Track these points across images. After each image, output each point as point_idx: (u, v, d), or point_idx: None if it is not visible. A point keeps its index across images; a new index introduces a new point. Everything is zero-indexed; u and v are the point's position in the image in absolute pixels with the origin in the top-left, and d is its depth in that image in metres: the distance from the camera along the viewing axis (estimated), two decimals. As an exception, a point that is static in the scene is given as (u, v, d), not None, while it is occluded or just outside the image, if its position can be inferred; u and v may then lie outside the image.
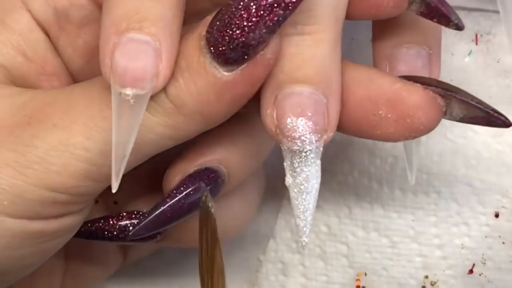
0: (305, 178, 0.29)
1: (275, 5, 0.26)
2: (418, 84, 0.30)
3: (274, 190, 0.42)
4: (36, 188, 0.29)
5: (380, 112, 0.29)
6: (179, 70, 0.28)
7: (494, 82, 0.41)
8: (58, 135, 0.29)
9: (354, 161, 0.41)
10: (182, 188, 0.33)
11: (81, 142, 0.29)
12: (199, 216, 0.29)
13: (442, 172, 0.40)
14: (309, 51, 0.28)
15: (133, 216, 0.34)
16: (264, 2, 0.26)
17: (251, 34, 0.26)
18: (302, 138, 0.28)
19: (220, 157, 0.33)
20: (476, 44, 0.41)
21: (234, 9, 0.26)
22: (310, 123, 0.28)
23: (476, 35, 0.41)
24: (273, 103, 0.29)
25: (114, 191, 0.28)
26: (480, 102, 0.30)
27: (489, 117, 0.30)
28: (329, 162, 0.41)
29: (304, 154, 0.28)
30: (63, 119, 0.29)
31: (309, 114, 0.28)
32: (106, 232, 0.34)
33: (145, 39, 0.27)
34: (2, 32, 0.32)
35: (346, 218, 0.41)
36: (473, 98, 0.30)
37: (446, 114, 0.30)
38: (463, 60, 0.41)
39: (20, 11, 0.32)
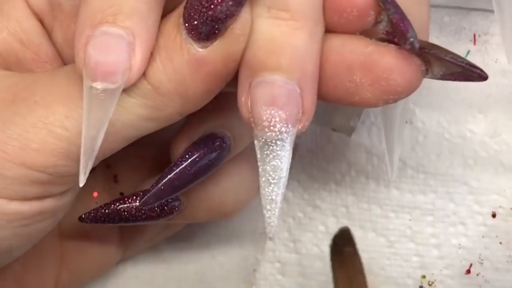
0: (272, 168, 0.28)
1: None
2: (392, 45, 0.29)
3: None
4: (14, 165, 0.29)
5: (355, 77, 0.28)
6: (157, 49, 0.28)
7: (492, 81, 0.41)
8: (38, 113, 0.29)
9: (351, 161, 0.41)
10: (187, 156, 0.33)
11: (60, 120, 0.29)
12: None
13: (439, 172, 0.40)
14: (284, 38, 0.28)
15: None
16: None
17: (219, 6, 0.27)
18: (271, 127, 0.28)
19: (224, 121, 0.33)
20: (474, 44, 0.41)
21: None
22: (281, 113, 0.28)
23: (474, 35, 0.41)
24: (248, 90, 0.28)
25: (81, 185, 0.28)
26: (454, 56, 0.29)
27: (465, 71, 0.29)
28: (326, 162, 0.41)
29: (273, 144, 0.28)
30: (44, 97, 0.29)
31: (280, 103, 0.28)
32: (123, 213, 0.35)
33: (118, 33, 0.27)
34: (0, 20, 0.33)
35: (343, 217, 0.41)
36: (448, 53, 0.29)
37: (428, 73, 0.29)
38: (461, 60, 0.41)
39: (17, 0, 0.33)
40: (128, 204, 0.35)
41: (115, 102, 0.27)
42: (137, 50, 0.27)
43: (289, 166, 0.29)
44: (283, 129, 0.28)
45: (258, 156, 0.29)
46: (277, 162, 0.28)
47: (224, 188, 0.36)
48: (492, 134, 0.40)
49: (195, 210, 0.36)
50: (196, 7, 0.27)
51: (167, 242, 0.43)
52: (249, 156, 0.36)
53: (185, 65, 0.28)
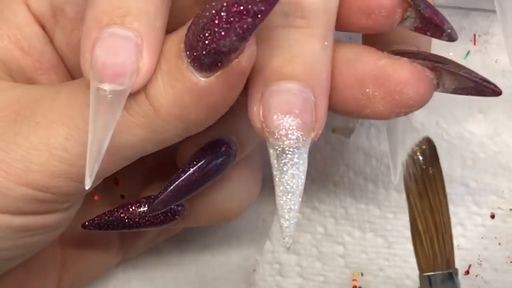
0: (290, 177, 0.28)
1: (244, 12, 0.25)
2: (405, 58, 0.29)
3: (271, 191, 0.42)
4: (16, 186, 0.29)
5: (368, 90, 0.28)
6: (159, 70, 0.28)
7: (493, 82, 0.41)
8: (39, 133, 0.29)
9: (349, 162, 0.41)
10: (195, 162, 0.33)
11: (60, 143, 0.28)
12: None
13: (438, 173, 0.40)
14: (298, 46, 0.28)
15: (151, 201, 0.34)
16: (234, 9, 0.25)
17: (222, 41, 0.26)
18: (289, 136, 0.27)
19: (230, 127, 0.33)
20: (474, 44, 0.41)
21: (207, 14, 0.26)
22: (297, 121, 0.27)
23: (474, 35, 0.41)
24: (260, 100, 0.28)
25: (86, 188, 0.27)
26: (468, 71, 0.29)
27: (478, 86, 0.29)
28: (325, 163, 0.41)
29: (290, 152, 0.28)
30: (45, 117, 0.29)
31: (297, 112, 0.27)
32: (126, 220, 0.35)
33: (126, 35, 0.27)
34: (0, 26, 0.32)
35: (342, 218, 0.41)
36: (461, 68, 0.29)
37: (439, 86, 0.29)
38: (461, 60, 0.41)
39: (18, 5, 0.32)
40: (132, 211, 0.35)
41: (122, 104, 0.27)
42: (145, 52, 0.27)
43: (305, 174, 0.28)
44: (300, 137, 0.27)
45: (275, 165, 0.28)
46: (295, 171, 0.28)
47: (227, 193, 0.36)
48: (491, 135, 0.40)
49: (198, 215, 0.36)
50: (198, 38, 0.26)
51: (167, 242, 0.43)
52: (250, 161, 0.37)
53: (186, 93, 0.27)
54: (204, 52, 0.26)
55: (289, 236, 0.28)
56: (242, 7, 0.25)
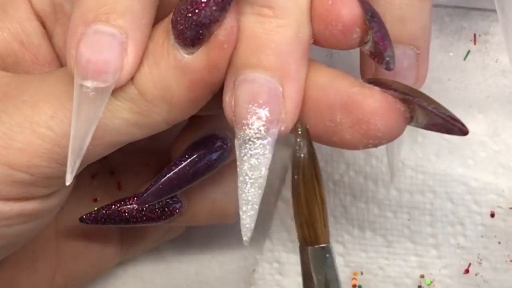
0: (249, 167, 0.28)
1: None
2: (376, 88, 0.28)
3: (270, 191, 0.42)
4: None
5: (336, 117, 0.28)
6: (145, 54, 0.28)
7: (493, 82, 0.41)
8: (24, 112, 0.29)
9: (349, 161, 0.41)
10: (187, 156, 0.33)
11: (45, 121, 0.28)
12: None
13: (438, 172, 0.40)
14: (266, 35, 0.28)
15: (143, 192, 0.34)
16: None
17: (203, 11, 0.26)
18: (250, 126, 0.27)
19: (226, 122, 0.33)
20: (475, 44, 0.41)
21: None
22: (261, 111, 0.27)
23: (475, 35, 0.41)
24: (232, 89, 0.28)
25: (67, 183, 0.27)
26: (437, 107, 0.28)
27: (446, 124, 0.28)
28: (325, 162, 0.41)
29: (250, 142, 0.28)
30: (32, 96, 0.29)
31: (261, 101, 0.27)
32: (124, 214, 0.35)
33: (111, 31, 0.27)
34: (1, 19, 0.33)
35: (341, 217, 0.41)
36: (431, 103, 0.28)
37: (412, 121, 0.28)
38: (461, 60, 0.41)
39: (21, 1, 0.33)
40: (129, 205, 0.35)
41: (105, 101, 0.27)
42: (129, 49, 0.27)
43: (267, 167, 0.28)
44: (261, 128, 0.27)
45: (237, 154, 0.28)
46: (254, 161, 0.28)
47: (226, 191, 0.36)
48: (491, 134, 0.40)
49: (196, 213, 0.36)
50: (182, 12, 0.27)
51: (167, 242, 0.43)
52: None
53: (170, 71, 0.28)
54: (186, 25, 0.27)
55: (246, 228, 0.28)
56: None
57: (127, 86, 0.28)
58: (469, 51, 0.41)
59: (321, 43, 0.29)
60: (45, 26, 0.33)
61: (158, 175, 0.33)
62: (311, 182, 0.29)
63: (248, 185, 0.28)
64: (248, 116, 0.27)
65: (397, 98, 0.28)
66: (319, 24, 0.28)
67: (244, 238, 0.28)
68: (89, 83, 0.27)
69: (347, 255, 0.41)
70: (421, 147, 0.40)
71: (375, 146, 0.28)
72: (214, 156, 0.33)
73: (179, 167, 0.33)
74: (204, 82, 0.28)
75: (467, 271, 0.40)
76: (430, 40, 0.32)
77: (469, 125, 0.40)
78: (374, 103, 0.28)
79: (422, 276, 0.40)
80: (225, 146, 0.33)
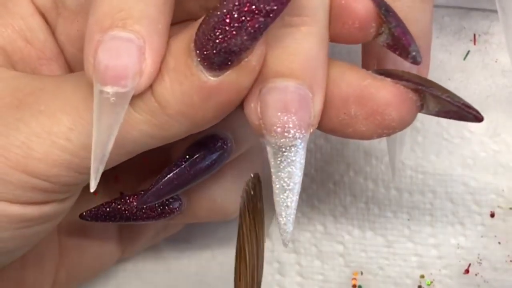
0: (287, 175, 0.28)
1: (256, 11, 0.25)
2: (388, 79, 0.28)
3: (270, 191, 0.42)
4: (15, 172, 0.29)
5: (350, 110, 0.28)
6: (166, 68, 0.28)
7: (492, 82, 0.41)
8: (42, 122, 0.29)
9: (349, 161, 0.41)
10: (187, 156, 0.33)
11: (64, 132, 0.28)
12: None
13: (438, 172, 0.40)
14: (296, 44, 0.28)
15: (143, 193, 0.34)
16: (246, 9, 0.25)
17: (233, 40, 0.26)
18: (285, 134, 0.27)
19: (226, 123, 0.33)
20: (474, 44, 0.41)
21: (219, 13, 0.26)
22: (294, 119, 0.27)
23: (474, 35, 0.41)
24: (257, 97, 0.28)
25: (92, 190, 0.27)
26: (451, 96, 0.28)
27: (460, 111, 0.28)
28: (325, 162, 0.41)
29: (286, 150, 0.28)
30: (49, 106, 0.29)
31: (293, 109, 0.27)
32: (124, 212, 0.35)
33: (128, 37, 0.27)
34: (4, 16, 0.32)
35: (342, 217, 0.41)
36: (444, 92, 0.28)
37: (423, 108, 0.29)
38: (461, 59, 0.41)
39: None
40: (129, 203, 0.35)
41: (125, 106, 0.27)
42: (147, 54, 0.27)
43: (302, 172, 0.28)
44: (297, 134, 0.27)
45: (272, 162, 0.28)
46: (292, 168, 0.28)
47: (225, 189, 0.36)
48: (491, 134, 0.40)
49: (196, 210, 0.36)
50: (209, 37, 0.26)
51: (167, 242, 0.43)
52: (250, 158, 0.37)
53: (194, 91, 0.27)
54: (214, 51, 0.26)
55: (286, 233, 0.28)
56: (254, 6, 0.25)
57: (148, 98, 0.28)
58: (469, 51, 0.41)
59: (337, 40, 0.29)
60: (47, 21, 0.33)
61: (159, 176, 0.33)
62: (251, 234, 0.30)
63: (287, 192, 0.28)
64: (282, 124, 0.27)
65: (408, 88, 0.28)
66: (335, 24, 0.28)
67: (285, 242, 0.29)
68: (109, 89, 0.27)
69: (347, 255, 0.41)
70: (421, 147, 0.40)
71: (389, 135, 0.29)
72: (215, 156, 0.33)
73: (180, 167, 0.33)
74: (230, 102, 0.28)
75: (467, 271, 0.40)
76: (431, 40, 0.33)
77: (468, 125, 0.40)
78: (387, 95, 0.28)
79: (422, 276, 0.40)
80: (225, 146, 0.33)
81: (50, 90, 0.30)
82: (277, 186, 0.28)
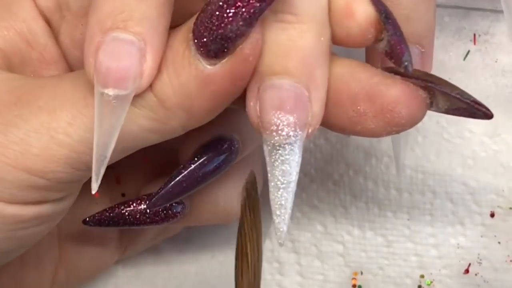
0: (281, 173, 0.28)
1: None
2: (398, 77, 0.29)
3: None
4: (13, 169, 0.29)
5: (359, 107, 0.28)
6: (165, 63, 0.28)
7: (492, 82, 0.41)
8: (41, 118, 0.29)
9: (349, 161, 0.41)
10: (196, 158, 0.33)
11: (63, 127, 0.28)
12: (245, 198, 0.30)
13: (438, 172, 0.40)
14: (291, 42, 0.28)
15: (152, 196, 0.34)
16: None
17: (229, 26, 0.26)
18: (279, 131, 0.27)
19: (232, 124, 0.33)
20: (474, 44, 0.41)
21: (216, 1, 0.26)
22: (289, 117, 0.27)
23: (474, 35, 0.41)
24: (256, 95, 0.28)
25: (93, 192, 0.27)
26: (461, 93, 0.29)
27: (470, 108, 0.29)
28: (325, 162, 0.41)
29: (281, 148, 0.28)
30: (48, 102, 0.29)
31: (288, 107, 0.27)
32: (127, 217, 0.35)
33: (129, 39, 0.27)
34: (6, 18, 0.32)
35: (341, 217, 0.41)
36: (454, 89, 0.29)
37: (432, 106, 0.29)
38: (461, 60, 0.41)
39: (25, 0, 0.33)
40: (133, 208, 0.35)
41: (126, 108, 0.27)
42: (148, 56, 0.27)
43: (298, 171, 0.28)
44: (291, 133, 0.27)
45: (267, 160, 0.28)
46: (286, 167, 0.28)
47: (228, 192, 0.36)
48: (491, 134, 0.40)
49: (199, 214, 0.36)
50: (206, 24, 0.27)
51: (167, 242, 0.43)
52: (251, 160, 0.37)
53: (192, 81, 0.28)
54: (211, 38, 0.27)
55: (281, 232, 0.28)
56: None
57: (146, 94, 0.28)
58: (469, 51, 0.41)
59: (336, 43, 0.29)
60: (50, 24, 0.33)
61: (168, 179, 0.33)
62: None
63: (281, 190, 0.28)
64: (276, 122, 0.27)
65: (418, 86, 0.28)
66: (335, 26, 0.29)
67: (280, 241, 0.29)
68: (110, 91, 0.27)
69: (347, 255, 0.41)
70: (421, 147, 0.40)
71: (398, 132, 0.29)
72: (222, 158, 0.33)
73: (189, 169, 0.33)
74: (226, 92, 0.28)
75: (467, 271, 0.40)
76: (434, 39, 0.33)
77: (468, 125, 0.40)
78: (397, 92, 0.28)
79: (422, 276, 0.40)
80: (232, 148, 0.33)
81: (48, 87, 0.30)
82: (272, 184, 0.28)
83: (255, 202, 0.31)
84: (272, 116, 0.27)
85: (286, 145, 0.28)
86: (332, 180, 0.41)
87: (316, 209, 0.42)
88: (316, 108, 0.28)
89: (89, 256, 0.39)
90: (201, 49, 0.27)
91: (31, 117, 0.29)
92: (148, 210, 0.35)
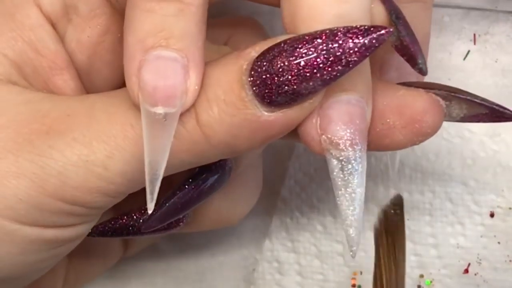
0: (356, 186, 0.28)
1: (336, 61, 0.25)
2: (420, 89, 0.29)
3: (270, 191, 0.42)
4: (53, 201, 0.28)
5: (388, 120, 0.29)
6: (215, 98, 0.27)
7: (492, 81, 0.41)
8: (77, 150, 0.28)
9: (349, 161, 0.41)
10: (190, 180, 0.33)
11: (101, 160, 0.28)
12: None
13: (437, 172, 0.40)
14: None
15: (147, 218, 0.34)
16: (322, 58, 0.25)
17: (304, 84, 0.26)
18: (354, 146, 0.27)
19: None
20: (474, 44, 0.41)
21: (287, 53, 0.26)
22: (358, 131, 0.27)
23: (474, 35, 0.41)
24: (317, 112, 0.28)
25: (150, 212, 0.27)
26: (483, 99, 0.30)
27: (494, 112, 0.29)
28: (324, 162, 0.41)
29: (353, 162, 0.28)
30: (83, 134, 0.28)
31: (357, 121, 0.27)
32: (130, 228, 0.35)
33: (173, 56, 0.27)
34: (13, 28, 0.32)
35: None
36: (475, 97, 0.30)
37: (446, 116, 0.30)
38: (461, 59, 0.41)
39: (30, 7, 0.32)
40: (136, 219, 0.35)
41: (175, 125, 0.27)
42: (191, 72, 0.27)
43: (364, 182, 0.28)
44: (361, 146, 0.28)
45: (340, 176, 0.28)
46: (359, 179, 0.28)
47: (230, 199, 0.36)
48: (491, 134, 0.40)
49: (201, 221, 0.36)
50: (274, 76, 0.26)
51: (167, 242, 0.43)
52: (252, 165, 0.37)
53: (246, 125, 0.27)
54: (279, 91, 0.26)
55: (356, 243, 0.28)
56: (332, 57, 0.25)
57: (193, 127, 0.28)
58: (469, 51, 0.41)
59: None
60: (56, 29, 0.32)
61: (162, 200, 0.33)
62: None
63: (355, 203, 0.28)
64: (349, 137, 0.27)
65: (439, 96, 0.29)
66: None
67: (352, 254, 0.28)
68: (160, 109, 0.26)
69: (346, 254, 0.41)
70: (420, 146, 0.40)
71: (422, 141, 0.30)
72: (216, 176, 0.33)
73: (183, 191, 0.33)
74: (280, 135, 0.28)
75: (466, 271, 0.40)
76: (429, 44, 0.33)
77: (468, 125, 0.40)
78: (424, 103, 0.29)
79: (421, 276, 0.40)
80: (225, 167, 0.33)
81: (79, 117, 0.29)
82: (347, 198, 0.28)
83: (397, 226, 0.31)
84: (344, 131, 0.27)
85: (358, 158, 0.28)
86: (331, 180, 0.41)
87: (315, 208, 0.42)
88: (369, 121, 0.29)
89: (95, 256, 0.39)
90: (264, 99, 0.26)
91: (67, 149, 0.28)
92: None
